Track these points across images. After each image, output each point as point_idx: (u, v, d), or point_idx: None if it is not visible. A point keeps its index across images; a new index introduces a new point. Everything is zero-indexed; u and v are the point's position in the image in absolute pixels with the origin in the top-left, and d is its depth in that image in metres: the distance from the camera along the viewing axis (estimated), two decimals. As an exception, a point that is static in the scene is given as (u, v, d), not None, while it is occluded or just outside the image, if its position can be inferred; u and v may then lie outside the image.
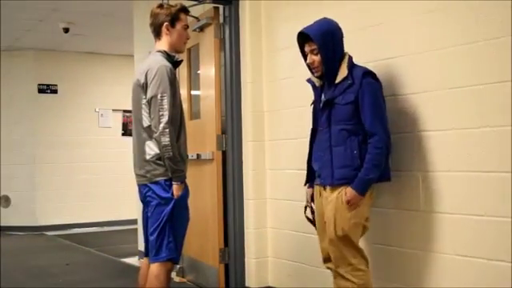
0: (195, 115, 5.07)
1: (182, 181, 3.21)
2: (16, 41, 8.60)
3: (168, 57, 3.30)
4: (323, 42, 2.99)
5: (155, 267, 3.20)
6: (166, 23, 3.31)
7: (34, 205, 9.17)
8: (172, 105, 3.14)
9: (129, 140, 6.93)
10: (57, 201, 9.26)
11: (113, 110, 9.65)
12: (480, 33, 2.82)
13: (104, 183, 9.56)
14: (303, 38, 3.12)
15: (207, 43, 4.70)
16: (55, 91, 9.39)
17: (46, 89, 9.34)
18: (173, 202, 3.17)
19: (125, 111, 9.53)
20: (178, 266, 5.18)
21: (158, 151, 3.16)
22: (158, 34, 3.36)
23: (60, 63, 9.37)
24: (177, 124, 3.22)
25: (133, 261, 6.34)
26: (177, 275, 5.09)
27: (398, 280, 3.18)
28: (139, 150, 3.27)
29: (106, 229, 9.33)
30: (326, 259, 3.15)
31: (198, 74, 5.06)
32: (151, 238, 3.22)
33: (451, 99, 2.96)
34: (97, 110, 9.68)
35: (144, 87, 3.20)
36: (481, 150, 2.83)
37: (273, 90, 4.36)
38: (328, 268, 3.17)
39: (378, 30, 3.32)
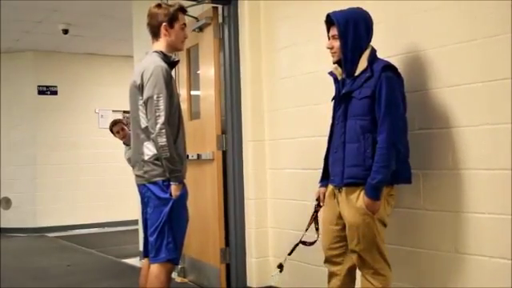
0: (195, 115, 5.06)
1: (180, 181, 3.20)
2: (16, 42, 8.61)
3: (164, 57, 3.27)
4: (344, 28, 2.89)
5: (155, 268, 3.20)
6: (164, 24, 3.27)
7: (35, 206, 9.17)
8: (169, 105, 3.13)
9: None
10: (57, 202, 9.26)
11: (113, 111, 9.65)
12: (481, 30, 2.82)
13: (104, 184, 9.57)
14: (331, 21, 3.01)
15: (206, 43, 4.70)
16: (55, 92, 9.39)
17: (46, 90, 9.35)
18: (171, 203, 3.16)
19: (125, 112, 9.52)
20: (180, 267, 5.18)
21: (155, 152, 3.15)
22: (155, 34, 3.32)
23: (60, 64, 9.38)
24: (175, 124, 3.21)
25: (134, 261, 6.34)
26: (178, 275, 5.09)
27: (398, 278, 3.18)
28: (137, 151, 3.26)
29: (106, 230, 9.34)
30: (327, 260, 3.12)
31: (198, 74, 5.06)
32: (151, 239, 3.22)
33: (450, 97, 2.96)
34: (97, 110, 9.69)
35: (140, 88, 3.19)
36: (480, 148, 2.83)
37: (272, 90, 4.36)
38: (329, 269, 3.15)
39: (377, 29, 3.31)
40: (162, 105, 3.09)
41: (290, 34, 4.20)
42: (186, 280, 5.09)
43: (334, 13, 2.97)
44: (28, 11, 6.99)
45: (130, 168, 3.45)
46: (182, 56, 5.42)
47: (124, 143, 6.44)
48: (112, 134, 6.50)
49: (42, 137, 9.26)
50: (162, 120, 3.08)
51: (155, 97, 3.10)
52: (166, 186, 3.17)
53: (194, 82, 5.17)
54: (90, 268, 6.12)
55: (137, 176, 3.30)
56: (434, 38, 3.05)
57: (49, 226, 9.09)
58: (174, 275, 5.47)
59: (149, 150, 3.18)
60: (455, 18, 2.95)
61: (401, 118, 2.85)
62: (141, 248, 6.28)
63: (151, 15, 3.32)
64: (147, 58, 3.33)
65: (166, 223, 3.16)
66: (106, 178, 9.58)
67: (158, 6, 3.34)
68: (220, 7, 4.58)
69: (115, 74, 9.55)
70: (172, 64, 3.35)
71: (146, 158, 3.19)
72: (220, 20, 4.59)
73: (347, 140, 2.90)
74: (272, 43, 4.37)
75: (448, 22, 2.99)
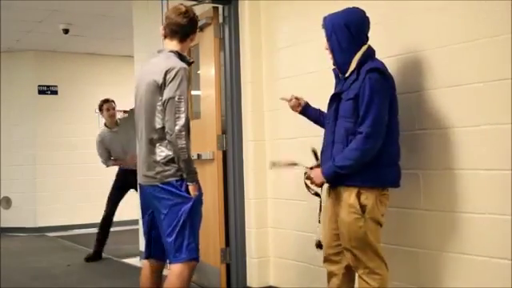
0: (195, 115, 5.06)
1: (196, 181, 3.16)
2: (16, 42, 8.61)
3: (181, 57, 3.23)
4: (330, 31, 2.94)
5: (177, 267, 3.14)
6: (196, 33, 3.32)
7: (35, 206, 9.16)
8: (188, 109, 3.09)
9: (129, 140, 6.96)
10: (57, 202, 9.25)
11: (113, 111, 9.65)
12: (481, 30, 2.82)
13: (105, 184, 9.49)
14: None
15: (207, 43, 4.70)
16: (55, 92, 9.39)
17: (46, 90, 9.34)
18: (192, 202, 3.12)
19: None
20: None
21: (169, 153, 3.11)
22: (182, 37, 3.25)
23: (60, 64, 9.38)
24: (188, 126, 3.14)
25: (134, 261, 6.35)
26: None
27: (398, 278, 3.18)
28: (148, 152, 3.18)
29: (106, 229, 9.31)
30: (326, 259, 3.13)
31: (198, 73, 5.06)
32: (169, 240, 3.13)
33: (450, 97, 2.96)
34: (97, 110, 9.65)
35: (162, 87, 3.09)
36: (481, 148, 2.83)
37: (273, 90, 4.36)
38: (327, 268, 3.15)
39: (376, 29, 3.32)
40: (183, 107, 3.04)
41: (290, 34, 4.21)
42: (186, 280, 5.08)
43: (327, 16, 3.01)
44: (28, 11, 6.99)
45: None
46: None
47: (106, 125, 6.58)
48: (99, 112, 6.65)
49: (42, 136, 9.25)
50: (182, 122, 3.03)
51: (177, 98, 3.04)
52: (179, 186, 3.12)
53: (194, 81, 5.16)
54: (90, 268, 6.11)
55: (146, 177, 3.22)
56: (434, 38, 3.05)
57: (49, 225, 9.08)
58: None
59: (161, 151, 3.14)
60: (455, 18, 2.95)
61: (382, 120, 2.80)
62: (141, 248, 6.29)
63: (191, 19, 3.26)
64: (163, 56, 3.22)
65: (185, 223, 3.11)
66: (106, 178, 9.53)
67: (194, 13, 3.30)
68: (220, 7, 4.58)
69: (115, 74, 9.54)
70: (188, 64, 3.27)
71: (159, 158, 3.14)
72: (220, 20, 4.59)
73: (336, 140, 2.95)
74: (272, 43, 4.37)
75: (448, 21, 2.99)
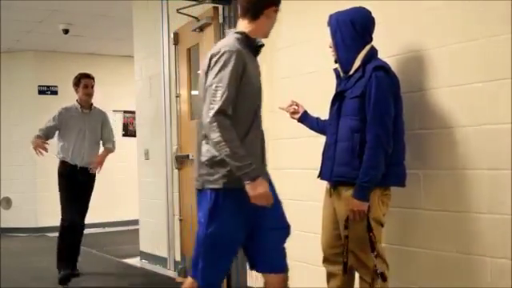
0: (195, 115, 5.06)
1: (254, 177, 2.56)
2: (16, 42, 8.61)
3: (246, 40, 2.74)
4: (335, 28, 2.94)
5: (189, 280, 2.83)
6: (274, 7, 2.78)
7: (35, 206, 9.17)
8: (229, 96, 2.56)
9: (130, 141, 6.95)
10: (58, 202, 9.21)
11: (113, 111, 9.63)
12: (481, 30, 2.82)
13: (105, 184, 9.51)
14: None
15: (207, 43, 4.70)
16: (55, 92, 9.40)
17: (47, 90, 9.35)
18: (210, 229, 2.64)
19: (125, 112, 9.53)
20: (180, 267, 5.18)
21: (216, 153, 2.62)
22: (253, 14, 2.75)
23: (60, 64, 9.38)
24: (242, 120, 2.67)
25: (134, 261, 6.35)
26: (179, 275, 5.09)
27: (399, 278, 3.18)
28: (197, 150, 2.78)
29: (107, 229, 9.33)
30: (326, 259, 3.13)
31: (199, 73, 5.05)
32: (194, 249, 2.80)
33: (450, 97, 2.97)
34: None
35: (207, 75, 2.66)
36: (481, 148, 2.83)
37: (273, 90, 4.36)
38: (327, 269, 3.15)
39: (377, 29, 3.32)
40: (219, 95, 2.53)
41: (290, 33, 4.20)
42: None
43: (332, 14, 3.01)
44: (28, 11, 7.00)
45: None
46: (182, 56, 5.43)
47: (81, 104, 5.44)
48: (74, 88, 5.45)
49: (43, 137, 9.25)
50: (213, 111, 2.51)
51: (214, 86, 2.56)
52: (214, 199, 2.64)
53: (194, 81, 5.16)
54: (90, 268, 6.11)
55: (195, 179, 2.82)
56: (434, 37, 3.05)
57: (49, 225, 9.05)
58: (174, 275, 5.48)
59: (207, 150, 2.68)
60: (455, 18, 2.95)
61: (389, 117, 2.82)
62: (141, 248, 6.28)
63: None
64: (225, 39, 2.78)
65: (200, 252, 2.72)
66: (106, 178, 9.53)
67: None
68: (220, 7, 4.58)
69: (115, 73, 9.54)
70: (257, 48, 2.83)
71: (204, 159, 2.69)
72: (220, 20, 4.60)
73: (339, 138, 2.93)
74: (272, 43, 4.36)
75: (448, 21, 2.99)
